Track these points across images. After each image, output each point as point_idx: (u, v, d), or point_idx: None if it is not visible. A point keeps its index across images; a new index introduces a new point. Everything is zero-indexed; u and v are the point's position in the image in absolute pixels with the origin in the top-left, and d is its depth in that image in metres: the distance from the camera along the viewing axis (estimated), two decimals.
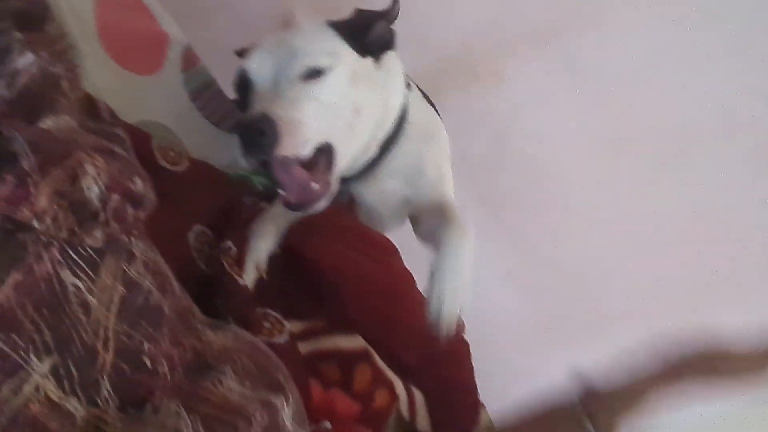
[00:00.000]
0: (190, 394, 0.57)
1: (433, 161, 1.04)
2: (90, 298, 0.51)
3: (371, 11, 0.91)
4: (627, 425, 0.89)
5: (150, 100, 0.88)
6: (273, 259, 0.88)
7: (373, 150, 0.96)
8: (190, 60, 0.97)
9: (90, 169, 0.54)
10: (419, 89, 1.10)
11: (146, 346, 0.55)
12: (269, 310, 0.83)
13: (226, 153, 0.96)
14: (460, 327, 1.11)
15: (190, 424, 0.54)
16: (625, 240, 1.55)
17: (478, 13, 1.39)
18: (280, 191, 0.82)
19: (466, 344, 1.05)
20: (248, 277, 0.83)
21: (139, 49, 0.87)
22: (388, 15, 0.90)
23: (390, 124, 0.97)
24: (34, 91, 0.52)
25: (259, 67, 0.86)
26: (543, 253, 1.58)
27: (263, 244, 0.88)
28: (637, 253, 1.56)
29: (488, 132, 1.50)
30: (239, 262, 0.82)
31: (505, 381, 1.31)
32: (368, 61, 0.92)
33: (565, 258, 1.57)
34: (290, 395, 0.65)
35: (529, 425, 0.94)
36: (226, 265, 0.80)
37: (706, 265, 1.56)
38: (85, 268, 0.52)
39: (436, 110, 1.14)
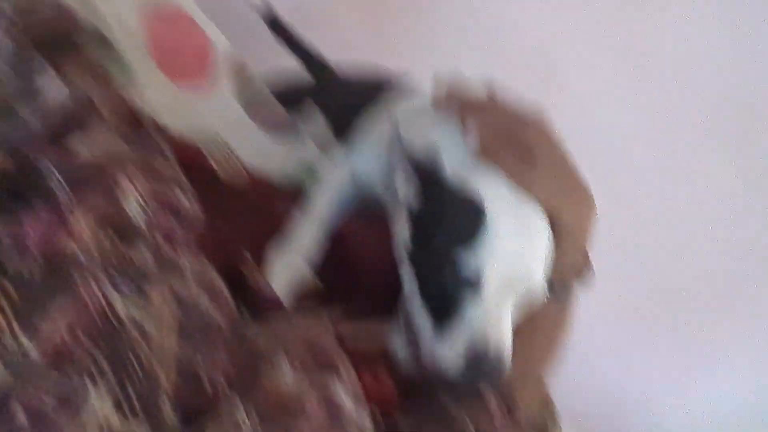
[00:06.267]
0: (246, 390, 0.55)
1: None
2: (146, 323, 0.49)
3: None
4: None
5: (202, 112, 0.86)
6: None
7: None
8: (238, 67, 0.95)
9: (127, 185, 0.51)
10: None
11: (204, 366, 0.53)
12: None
13: (278, 159, 0.94)
14: None
15: (247, 420, 0.52)
16: (695, 224, 1.48)
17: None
18: None
19: None
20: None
21: (188, 61, 0.85)
22: None
23: None
24: (64, 117, 0.49)
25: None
26: (615, 244, 1.51)
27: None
28: (709, 239, 1.48)
29: None
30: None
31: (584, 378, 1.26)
32: None
33: (639, 249, 1.49)
34: (344, 373, 0.62)
35: None
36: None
37: None
38: (136, 293, 0.50)
39: None
